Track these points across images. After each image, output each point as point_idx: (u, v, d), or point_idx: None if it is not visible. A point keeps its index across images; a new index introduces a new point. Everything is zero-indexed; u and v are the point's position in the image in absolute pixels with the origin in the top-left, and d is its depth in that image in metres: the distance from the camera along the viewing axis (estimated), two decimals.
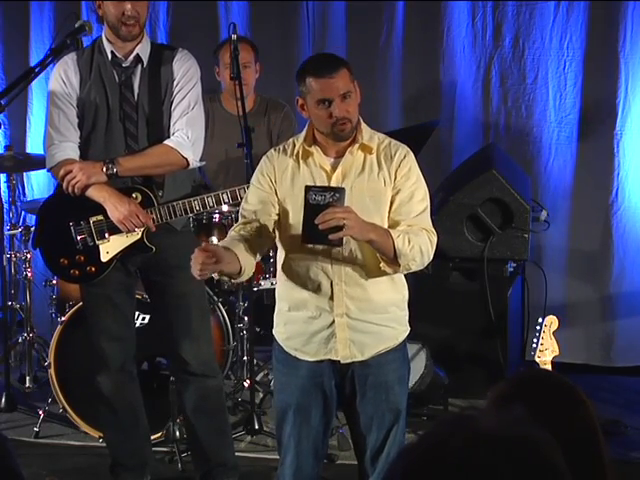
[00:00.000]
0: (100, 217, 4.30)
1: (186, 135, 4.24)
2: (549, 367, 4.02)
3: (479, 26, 6.28)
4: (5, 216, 5.61)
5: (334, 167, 3.50)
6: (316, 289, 3.51)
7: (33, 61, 6.47)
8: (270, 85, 5.98)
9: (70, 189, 4.23)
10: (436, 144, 6.11)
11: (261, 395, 5.41)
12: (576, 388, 1.87)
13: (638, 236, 6.16)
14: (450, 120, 6.33)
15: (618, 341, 6.21)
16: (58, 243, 4.38)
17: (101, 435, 5.04)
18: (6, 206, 5.70)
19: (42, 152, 6.59)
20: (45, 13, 6.71)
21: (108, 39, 4.31)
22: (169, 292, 4.39)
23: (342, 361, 3.54)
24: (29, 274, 5.80)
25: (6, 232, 5.66)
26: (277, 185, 3.53)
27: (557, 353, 4.10)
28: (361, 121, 3.54)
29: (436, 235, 3.52)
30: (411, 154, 3.54)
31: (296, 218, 3.45)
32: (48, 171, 4.45)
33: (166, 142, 4.25)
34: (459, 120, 6.35)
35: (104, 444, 4.85)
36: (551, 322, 4.13)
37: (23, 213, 6.40)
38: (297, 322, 3.58)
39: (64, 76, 4.32)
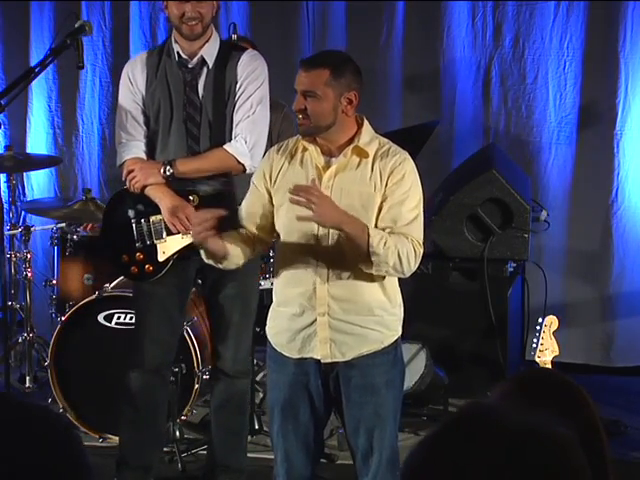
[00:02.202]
0: (160, 217, 4.32)
1: (244, 140, 4.24)
2: (549, 367, 4.02)
3: (479, 26, 6.28)
4: (5, 216, 5.60)
5: (328, 165, 3.53)
6: (300, 287, 3.53)
7: (33, 61, 6.46)
8: (270, 85, 5.97)
9: (131, 188, 4.29)
10: (436, 144, 6.11)
11: (261, 395, 5.41)
12: (579, 388, 1.87)
13: (638, 236, 6.16)
14: (450, 120, 6.33)
15: (618, 341, 6.21)
16: (121, 240, 4.42)
17: (101, 435, 5.05)
18: (6, 206, 5.69)
19: (42, 152, 6.66)
20: (45, 13, 6.71)
21: (175, 39, 4.32)
22: (221, 292, 4.42)
23: (322, 360, 3.55)
24: (29, 274, 5.80)
25: (6, 232, 5.66)
26: (271, 182, 3.58)
27: (557, 353, 4.10)
28: (365, 124, 3.55)
29: (422, 248, 3.50)
30: (409, 161, 3.52)
31: (288, 214, 3.50)
32: (118, 168, 4.48)
33: (225, 147, 4.25)
34: (459, 120, 6.35)
35: (104, 444, 4.85)
36: (551, 322, 4.13)
37: (23, 213, 6.40)
38: (283, 318, 3.61)
39: (131, 75, 4.35)
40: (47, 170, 6.68)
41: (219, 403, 4.54)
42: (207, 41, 4.30)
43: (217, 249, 3.51)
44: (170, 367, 4.60)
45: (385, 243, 3.38)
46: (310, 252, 3.50)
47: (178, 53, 4.31)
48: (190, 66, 4.31)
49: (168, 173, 4.23)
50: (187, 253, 4.33)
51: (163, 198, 4.27)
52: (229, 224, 3.50)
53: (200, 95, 4.30)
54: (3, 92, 4.33)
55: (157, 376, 4.48)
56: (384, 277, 3.54)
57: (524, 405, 1.74)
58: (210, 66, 4.30)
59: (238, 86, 4.28)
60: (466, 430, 1.38)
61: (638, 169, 6.14)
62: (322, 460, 4.25)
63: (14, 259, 5.86)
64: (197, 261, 4.38)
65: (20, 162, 5.76)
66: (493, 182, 5.59)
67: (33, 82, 4.58)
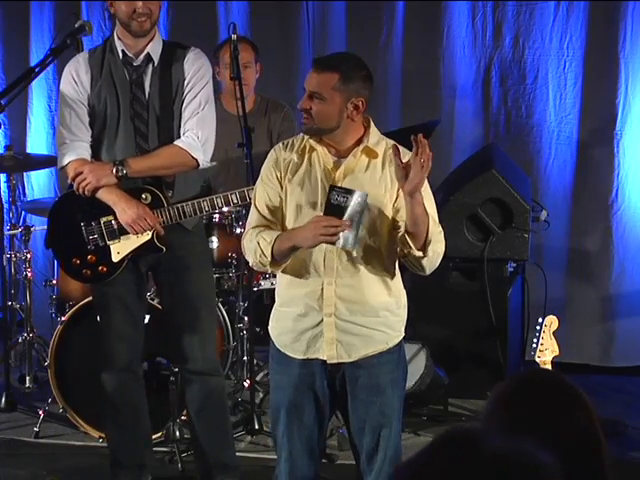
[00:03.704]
0: (110, 217, 4.31)
1: (196, 135, 4.25)
2: (549, 367, 4.02)
3: (479, 26, 6.28)
4: (5, 216, 5.61)
5: (337, 166, 3.52)
6: (306, 287, 3.53)
7: (33, 61, 6.46)
8: (270, 85, 5.97)
9: (80, 190, 4.26)
10: (436, 144, 6.09)
11: (261, 395, 5.41)
12: (577, 388, 1.88)
13: (638, 236, 6.16)
14: (450, 120, 6.33)
15: (618, 341, 6.21)
16: (70, 243, 4.40)
17: (101, 435, 5.05)
18: (6, 206, 5.70)
19: (42, 152, 6.66)
20: (45, 13, 6.71)
21: (120, 37, 4.31)
22: (179, 292, 4.40)
23: (328, 361, 3.55)
24: (29, 274, 5.80)
25: (6, 232, 5.66)
26: (281, 179, 3.56)
27: (557, 353, 4.10)
28: (371, 125, 3.56)
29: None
30: None
31: (295, 213, 3.48)
32: (59, 170, 4.46)
33: (176, 142, 4.26)
34: (459, 120, 6.35)
35: (104, 444, 4.85)
36: (551, 322, 4.13)
37: (23, 213, 6.40)
38: (287, 319, 3.60)
39: (75, 75, 4.33)
40: (47, 170, 6.68)
41: (198, 406, 4.51)
42: (152, 39, 4.31)
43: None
44: (140, 363, 4.57)
45: (440, 230, 3.45)
46: (318, 253, 3.50)
47: (123, 51, 4.31)
48: (135, 64, 4.31)
49: (121, 173, 4.21)
50: (140, 252, 4.34)
51: (117, 201, 4.25)
52: None
53: (146, 93, 4.30)
54: (3, 92, 4.33)
55: (129, 373, 4.48)
56: (390, 278, 3.56)
57: (522, 408, 1.74)
58: (156, 64, 4.30)
59: (186, 83, 4.29)
60: (453, 452, 1.38)
61: (638, 169, 6.14)
62: (322, 460, 4.25)
63: (14, 259, 5.86)
64: (149, 259, 4.39)
65: (20, 162, 5.76)
66: (493, 182, 5.59)
67: (33, 82, 4.58)
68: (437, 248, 3.48)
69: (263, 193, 3.59)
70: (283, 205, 3.55)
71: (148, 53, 4.30)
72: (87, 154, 4.32)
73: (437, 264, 3.55)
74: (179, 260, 4.37)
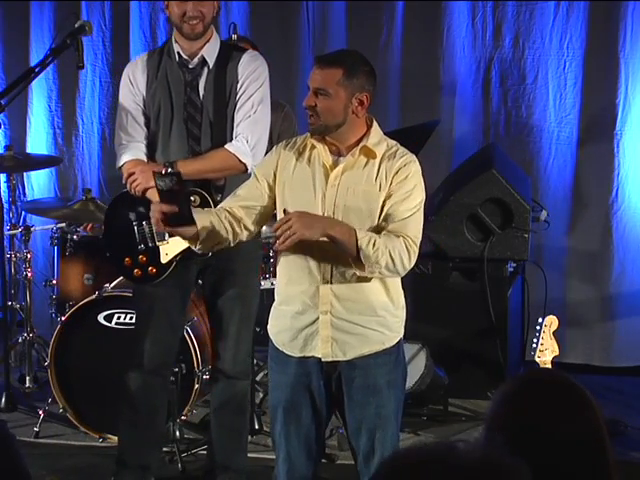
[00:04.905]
0: None
1: (246, 139, 4.24)
2: (549, 367, 4.02)
3: (479, 26, 6.28)
4: (5, 216, 5.61)
5: (335, 164, 3.53)
6: (303, 285, 3.53)
7: (33, 60, 6.47)
8: (270, 85, 5.96)
9: (132, 191, 4.28)
10: (436, 144, 6.11)
11: (261, 395, 5.41)
12: (582, 388, 1.88)
13: (638, 236, 6.16)
14: (450, 120, 6.33)
15: (618, 341, 6.21)
16: (123, 242, 4.42)
17: (101, 435, 5.05)
18: (6, 206, 5.70)
19: (42, 152, 6.66)
20: (45, 13, 6.71)
21: (176, 40, 4.32)
22: (222, 293, 4.41)
23: (323, 359, 3.55)
24: (29, 274, 5.80)
25: (6, 232, 5.66)
26: (274, 177, 3.58)
27: (557, 353, 4.10)
28: (374, 125, 3.56)
29: (417, 247, 3.47)
30: (416, 164, 3.52)
31: (292, 209, 3.46)
32: (117, 170, 4.49)
33: (226, 146, 4.25)
34: (459, 120, 6.35)
35: (104, 444, 4.84)
36: (551, 322, 4.13)
37: (23, 213, 6.40)
38: (285, 317, 3.61)
39: (132, 77, 4.35)
40: (47, 170, 6.68)
41: (219, 404, 4.53)
42: (207, 41, 4.31)
43: (186, 230, 3.53)
44: (171, 367, 4.60)
45: (374, 244, 3.38)
46: (314, 251, 3.50)
47: (179, 53, 4.31)
48: (191, 66, 4.31)
49: None
50: (189, 254, 4.34)
51: None
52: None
53: (201, 95, 4.29)
54: (3, 92, 4.33)
55: (157, 376, 4.48)
56: (386, 278, 3.54)
57: (527, 408, 1.74)
58: (211, 66, 4.30)
59: (239, 86, 4.28)
60: (422, 475, 1.39)
61: (638, 169, 6.14)
62: (322, 460, 4.25)
63: (14, 259, 5.86)
64: (199, 262, 4.39)
65: (20, 162, 5.76)
66: (493, 182, 5.59)
67: (33, 82, 4.58)
68: (374, 270, 3.42)
69: (248, 183, 3.66)
70: (268, 202, 3.59)
71: (203, 55, 4.30)
72: (143, 154, 4.33)
73: (396, 269, 3.44)
74: (226, 262, 4.36)
